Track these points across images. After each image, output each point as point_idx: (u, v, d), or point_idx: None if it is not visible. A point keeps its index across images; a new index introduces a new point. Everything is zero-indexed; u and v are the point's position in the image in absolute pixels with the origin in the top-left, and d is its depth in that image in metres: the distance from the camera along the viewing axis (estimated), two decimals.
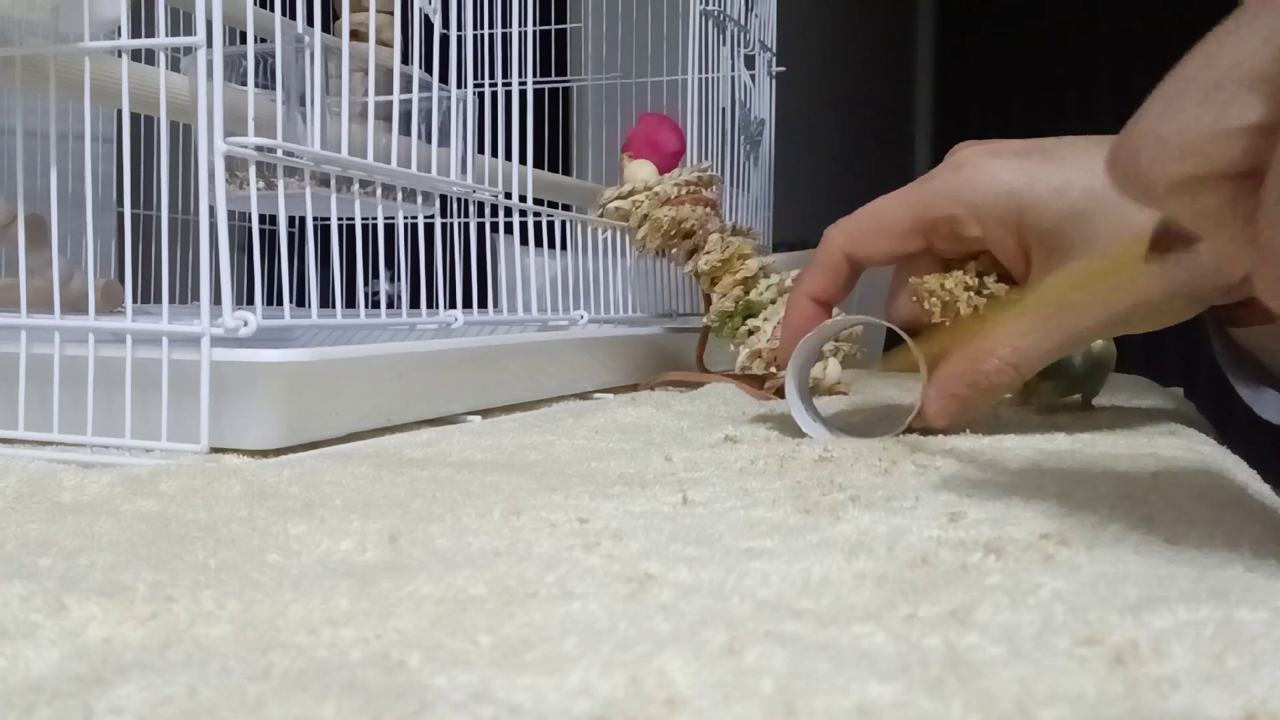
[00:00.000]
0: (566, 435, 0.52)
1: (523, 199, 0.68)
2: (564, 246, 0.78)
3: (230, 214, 0.43)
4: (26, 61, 0.45)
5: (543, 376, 0.68)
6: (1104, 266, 0.45)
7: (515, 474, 0.41)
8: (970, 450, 0.46)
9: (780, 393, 0.54)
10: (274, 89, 0.51)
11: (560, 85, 1.10)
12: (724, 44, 0.96)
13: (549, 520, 0.32)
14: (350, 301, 0.52)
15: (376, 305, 0.55)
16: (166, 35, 0.44)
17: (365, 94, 0.53)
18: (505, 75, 0.68)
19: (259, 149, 0.45)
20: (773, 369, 0.72)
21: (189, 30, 0.43)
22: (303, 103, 0.51)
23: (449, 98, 0.59)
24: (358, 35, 0.56)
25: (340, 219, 0.51)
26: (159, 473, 0.38)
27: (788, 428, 0.53)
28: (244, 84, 0.45)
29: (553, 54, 1.11)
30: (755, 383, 0.74)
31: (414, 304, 0.59)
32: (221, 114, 0.42)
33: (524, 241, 0.73)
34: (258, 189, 0.45)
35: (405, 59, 0.56)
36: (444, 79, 0.59)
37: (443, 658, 0.20)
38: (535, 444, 0.49)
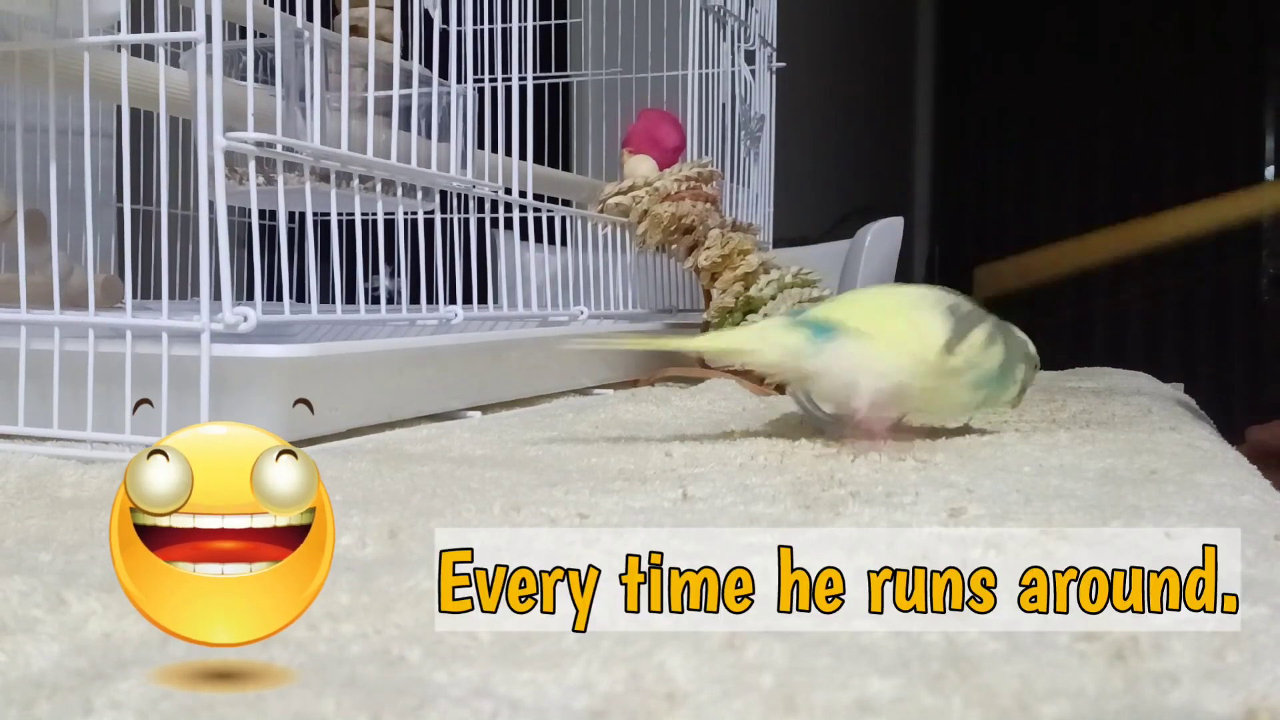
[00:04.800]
0: (566, 431, 0.52)
1: (523, 194, 0.68)
2: (564, 242, 0.78)
3: (230, 209, 0.43)
4: (26, 57, 0.45)
5: (543, 372, 0.68)
6: None
7: (515, 469, 0.41)
8: (970, 447, 0.46)
9: (781, 389, 0.54)
10: (273, 84, 0.51)
11: (560, 80, 1.10)
12: (724, 39, 0.96)
13: (549, 515, 0.32)
14: (350, 297, 0.52)
15: (376, 301, 0.55)
16: (166, 30, 0.44)
17: (365, 89, 0.53)
18: (505, 70, 0.68)
19: (259, 144, 0.45)
20: None
21: (188, 25, 0.43)
22: (302, 98, 0.51)
23: (449, 93, 0.59)
24: (357, 30, 0.56)
25: (340, 214, 0.51)
26: None
27: (788, 423, 0.53)
28: (243, 79, 0.45)
29: (553, 49, 1.11)
30: (755, 379, 0.74)
31: (414, 300, 0.59)
32: (221, 109, 0.42)
33: (524, 237, 0.73)
34: (257, 184, 0.45)
35: (405, 54, 0.56)
36: (444, 74, 0.59)
37: (443, 653, 0.20)
38: (535, 439, 0.49)
